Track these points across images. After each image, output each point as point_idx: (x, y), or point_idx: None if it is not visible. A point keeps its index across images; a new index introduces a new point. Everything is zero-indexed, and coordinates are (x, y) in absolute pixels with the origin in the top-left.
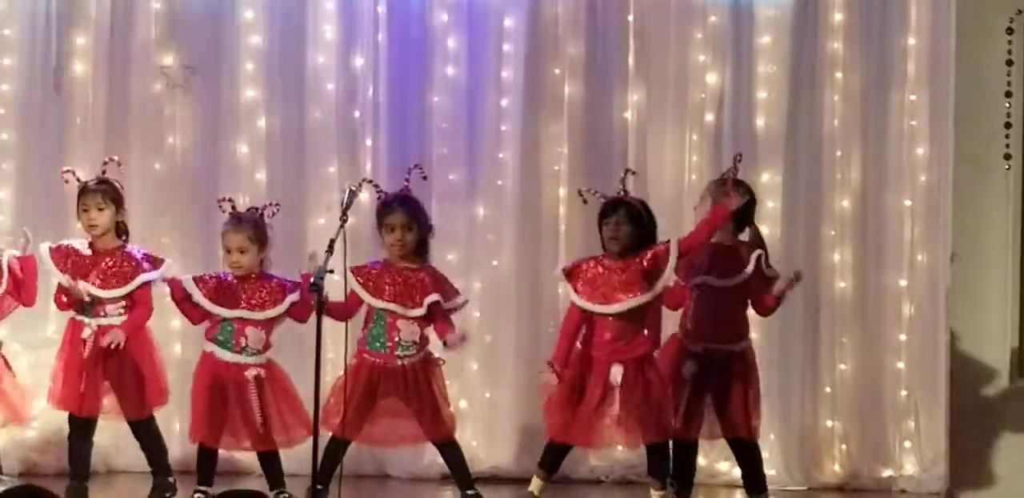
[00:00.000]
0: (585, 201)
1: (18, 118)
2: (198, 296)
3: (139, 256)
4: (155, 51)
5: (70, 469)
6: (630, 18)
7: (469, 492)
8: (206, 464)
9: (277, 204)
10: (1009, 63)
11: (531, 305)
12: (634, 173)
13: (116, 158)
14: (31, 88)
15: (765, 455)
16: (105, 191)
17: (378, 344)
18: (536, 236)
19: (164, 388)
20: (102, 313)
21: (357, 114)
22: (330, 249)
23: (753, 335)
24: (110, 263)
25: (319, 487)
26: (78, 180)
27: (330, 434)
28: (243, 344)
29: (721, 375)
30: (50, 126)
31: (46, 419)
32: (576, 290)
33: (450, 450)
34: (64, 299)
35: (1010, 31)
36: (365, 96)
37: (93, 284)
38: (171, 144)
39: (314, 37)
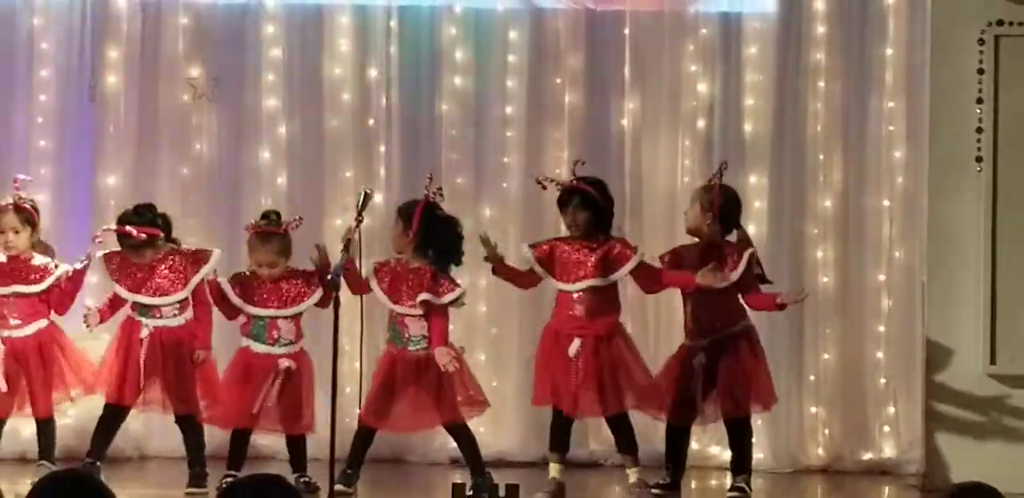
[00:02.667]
0: (544, 187)
1: (54, 126)
2: (233, 297)
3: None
4: (183, 63)
5: (91, 449)
6: (626, 31)
7: (478, 479)
8: (238, 450)
9: (300, 218)
10: (980, 72)
11: (534, 299)
12: (583, 163)
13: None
14: (67, 98)
15: (753, 440)
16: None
17: (397, 340)
18: (539, 235)
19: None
20: (158, 314)
21: (371, 122)
22: (346, 248)
23: None
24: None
25: (348, 471)
26: None
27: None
28: (276, 336)
29: (723, 359)
30: (84, 134)
31: (83, 407)
32: (551, 272)
33: (461, 434)
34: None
35: (981, 42)
36: (379, 105)
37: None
38: (198, 150)
39: (331, 50)
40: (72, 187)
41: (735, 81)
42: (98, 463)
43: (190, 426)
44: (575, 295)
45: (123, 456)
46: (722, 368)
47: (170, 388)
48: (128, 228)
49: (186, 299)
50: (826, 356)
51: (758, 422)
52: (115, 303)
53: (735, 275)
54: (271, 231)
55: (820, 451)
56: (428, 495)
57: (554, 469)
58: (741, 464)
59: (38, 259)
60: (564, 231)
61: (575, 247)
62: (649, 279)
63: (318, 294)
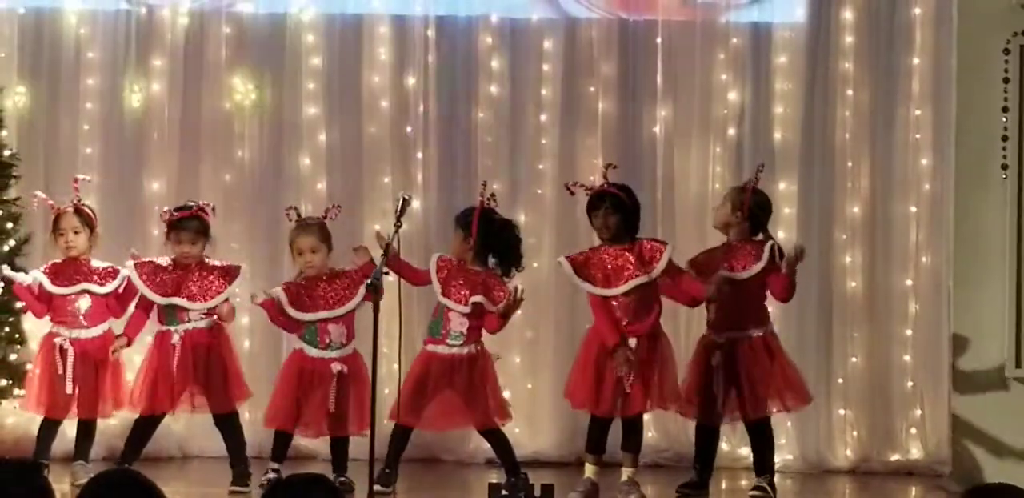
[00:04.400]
0: (572, 193)
1: (100, 133)
2: (291, 309)
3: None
4: (225, 72)
5: (123, 454)
6: (658, 40)
7: (512, 479)
8: (281, 445)
9: (338, 206)
10: (1006, 81)
11: (568, 303)
12: (615, 167)
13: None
14: (112, 106)
15: (782, 441)
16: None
17: (435, 332)
18: (573, 240)
19: (245, 383)
20: (186, 318)
21: (409, 129)
22: (386, 252)
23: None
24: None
25: (387, 470)
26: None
27: (391, 422)
28: (327, 341)
29: (743, 361)
30: (129, 141)
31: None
32: (591, 279)
33: (494, 438)
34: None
35: (1007, 52)
36: (416, 112)
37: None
38: (240, 157)
39: (369, 58)
40: (117, 193)
41: (765, 89)
42: (128, 467)
43: (229, 426)
44: (619, 299)
45: (166, 455)
46: (741, 370)
47: (205, 390)
48: (196, 209)
49: (213, 307)
50: (854, 359)
51: (787, 424)
52: (138, 318)
53: (758, 266)
54: (309, 221)
55: (848, 452)
56: (464, 495)
57: (589, 470)
58: (763, 465)
59: (96, 262)
60: (597, 240)
61: (613, 255)
62: (674, 277)
63: (363, 290)
